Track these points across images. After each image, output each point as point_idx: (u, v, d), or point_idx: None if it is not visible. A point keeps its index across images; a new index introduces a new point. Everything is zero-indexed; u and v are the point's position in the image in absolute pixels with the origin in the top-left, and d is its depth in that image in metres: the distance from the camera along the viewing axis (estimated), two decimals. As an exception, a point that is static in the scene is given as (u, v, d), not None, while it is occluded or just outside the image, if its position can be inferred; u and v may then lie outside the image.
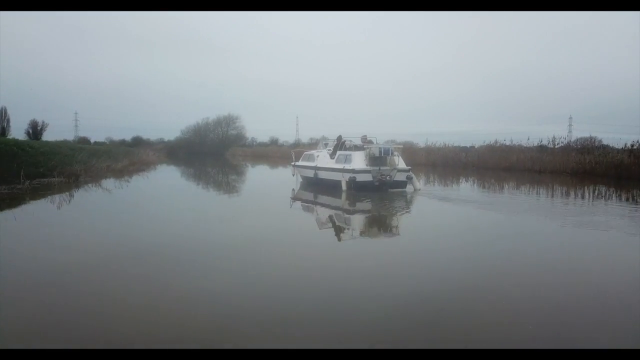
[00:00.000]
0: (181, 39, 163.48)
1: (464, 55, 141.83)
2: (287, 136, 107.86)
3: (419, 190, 18.36)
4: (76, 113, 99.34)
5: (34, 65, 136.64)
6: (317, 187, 19.79)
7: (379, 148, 18.12)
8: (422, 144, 43.23)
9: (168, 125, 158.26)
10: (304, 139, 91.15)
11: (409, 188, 18.41)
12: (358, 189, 17.42)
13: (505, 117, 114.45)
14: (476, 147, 38.94)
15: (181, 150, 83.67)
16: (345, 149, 19.07)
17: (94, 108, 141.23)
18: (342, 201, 16.29)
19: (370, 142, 19.61)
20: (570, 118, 64.43)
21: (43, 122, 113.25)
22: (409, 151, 40.49)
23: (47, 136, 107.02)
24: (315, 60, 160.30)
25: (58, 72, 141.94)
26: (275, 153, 67.91)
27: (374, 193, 17.18)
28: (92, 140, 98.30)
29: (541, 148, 32.93)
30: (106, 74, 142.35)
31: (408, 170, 18.27)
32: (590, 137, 38.72)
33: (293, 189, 20.14)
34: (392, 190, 17.86)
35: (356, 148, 18.84)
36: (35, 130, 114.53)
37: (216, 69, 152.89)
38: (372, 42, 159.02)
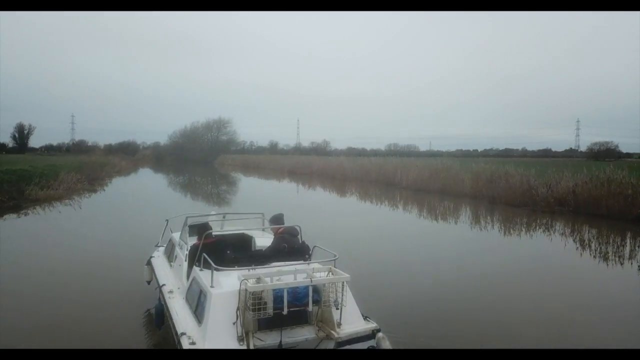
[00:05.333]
0: (181, 42, 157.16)
1: (465, 63, 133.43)
2: (287, 139, 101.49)
3: None
4: (73, 116, 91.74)
5: (34, 66, 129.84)
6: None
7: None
8: (459, 164, 28.08)
9: (168, 128, 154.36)
10: (305, 142, 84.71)
11: None
12: None
13: (505, 120, 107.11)
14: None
15: (169, 156, 79.04)
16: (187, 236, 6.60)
17: (93, 111, 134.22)
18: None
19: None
20: (578, 121, 65.88)
21: (30, 125, 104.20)
22: (443, 176, 26.19)
23: (43, 139, 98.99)
24: (315, 65, 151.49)
25: (57, 73, 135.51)
26: (269, 164, 57.43)
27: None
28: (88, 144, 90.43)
29: (546, 152, 21.52)
30: (107, 76, 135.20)
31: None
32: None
33: (148, 311, 7.56)
34: None
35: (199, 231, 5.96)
36: (22, 134, 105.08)
37: (218, 73, 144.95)
38: (380, 50, 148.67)
